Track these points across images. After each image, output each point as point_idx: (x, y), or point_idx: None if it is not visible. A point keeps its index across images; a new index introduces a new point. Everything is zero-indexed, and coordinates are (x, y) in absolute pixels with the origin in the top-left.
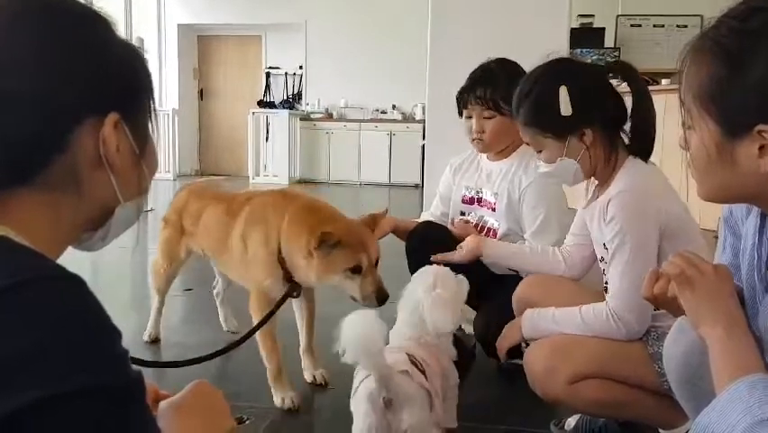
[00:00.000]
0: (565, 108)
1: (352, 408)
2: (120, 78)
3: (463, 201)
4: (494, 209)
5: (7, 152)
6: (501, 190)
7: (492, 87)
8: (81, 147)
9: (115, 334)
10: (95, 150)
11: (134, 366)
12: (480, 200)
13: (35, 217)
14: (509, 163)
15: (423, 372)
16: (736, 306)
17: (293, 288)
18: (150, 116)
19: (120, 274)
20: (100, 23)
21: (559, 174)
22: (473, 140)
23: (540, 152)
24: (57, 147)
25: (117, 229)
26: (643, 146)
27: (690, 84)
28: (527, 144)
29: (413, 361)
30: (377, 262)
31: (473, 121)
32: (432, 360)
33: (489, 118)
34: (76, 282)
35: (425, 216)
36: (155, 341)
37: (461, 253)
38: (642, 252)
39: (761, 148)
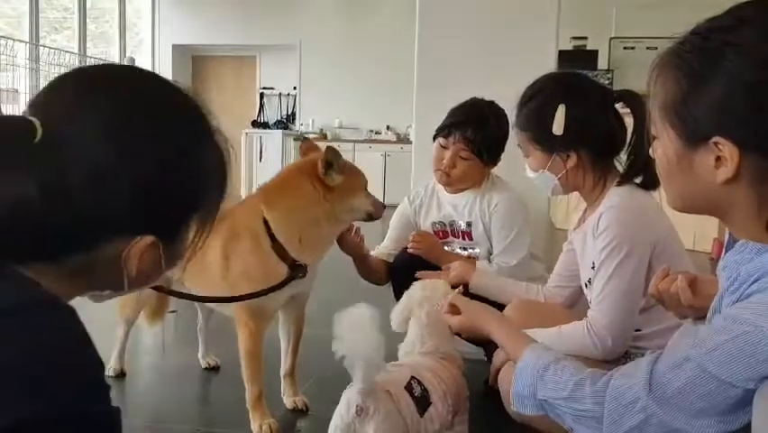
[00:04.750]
0: (557, 128)
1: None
2: (180, 207)
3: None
4: (469, 237)
5: (42, 237)
6: (474, 219)
7: (483, 134)
8: (109, 250)
9: (99, 366)
10: (119, 252)
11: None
12: (453, 232)
13: (47, 284)
14: (473, 193)
15: (423, 396)
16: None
17: (298, 269)
18: (202, 232)
19: None
20: (191, 137)
21: (539, 183)
22: (437, 170)
23: (527, 156)
24: (85, 247)
25: (120, 295)
26: (646, 175)
27: (656, 96)
28: (518, 146)
29: (411, 384)
30: None
31: (448, 154)
32: (445, 375)
33: (466, 159)
34: (66, 311)
35: (378, 252)
36: (121, 375)
37: (450, 274)
38: (630, 265)
39: (717, 159)
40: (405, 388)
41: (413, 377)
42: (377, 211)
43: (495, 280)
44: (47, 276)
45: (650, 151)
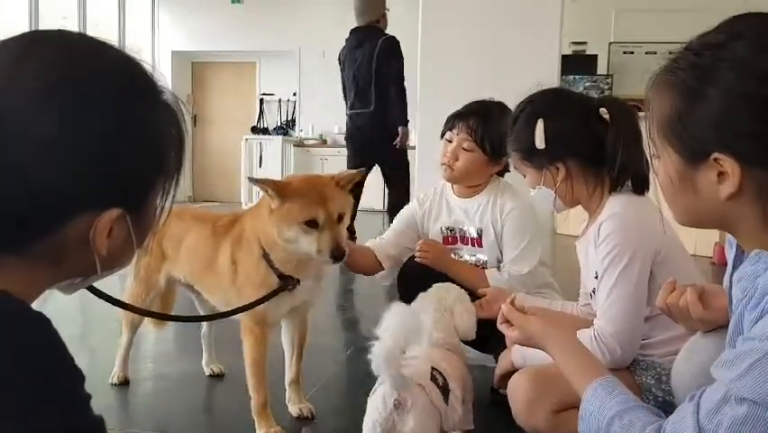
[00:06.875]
0: (539, 142)
1: (368, 405)
2: (140, 172)
3: (445, 243)
4: (479, 245)
5: (4, 224)
6: (485, 225)
7: (485, 124)
8: (74, 230)
9: (77, 376)
10: (86, 231)
11: (96, 414)
12: (462, 239)
13: (11, 277)
14: (484, 198)
15: (444, 385)
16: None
17: (287, 281)
18: (166, 198)
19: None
20: (139, 99)
21: (541, 200)
22: (441, 165)
23: (524, 176)
24: (51, 230)
25: (93, 281)
26: (635, 181)
27: (654, 115)
28: (514, 168)
29: (434, 375)
30: (341, 218)
31: (452, 146)
32: (454, 364)
33: (468, 151)
34: (39, 321)
35: (373, 243)
36: (124, 383)
37: (492, 307)
38: (634, 272)
39: (719, 175)
40: (431, 379)
41: (433, 367)
42: (318, 253)
43: (533, 305)
44: (14, 270)
45: (652, 170)
